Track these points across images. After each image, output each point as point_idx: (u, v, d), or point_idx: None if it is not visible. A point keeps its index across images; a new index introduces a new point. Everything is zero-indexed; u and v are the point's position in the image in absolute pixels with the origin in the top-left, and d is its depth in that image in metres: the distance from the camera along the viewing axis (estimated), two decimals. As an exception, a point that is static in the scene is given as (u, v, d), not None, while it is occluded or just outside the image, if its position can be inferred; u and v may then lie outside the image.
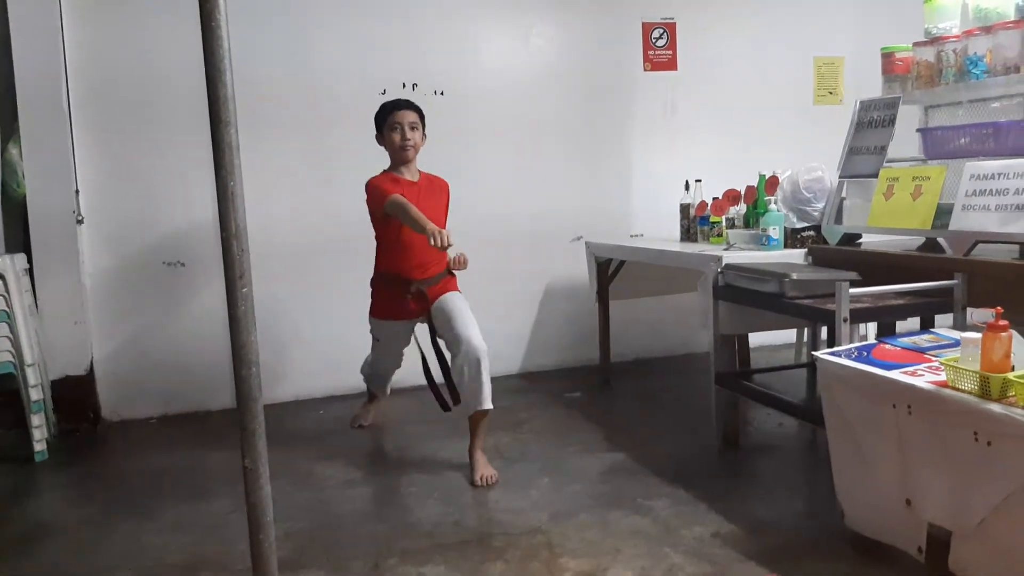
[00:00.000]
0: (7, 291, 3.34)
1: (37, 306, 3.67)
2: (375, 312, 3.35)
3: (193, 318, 4.03)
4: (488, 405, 2.95)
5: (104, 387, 3.92)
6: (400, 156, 3.18)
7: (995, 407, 1.73)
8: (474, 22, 4.40)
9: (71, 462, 3.43)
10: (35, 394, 3.38)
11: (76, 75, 3.79)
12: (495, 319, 4.19)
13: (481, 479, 2.91)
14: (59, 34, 3.70)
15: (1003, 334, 1.78)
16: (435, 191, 3.28)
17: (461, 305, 3.12)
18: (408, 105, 3.20)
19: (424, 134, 3.24)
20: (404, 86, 4.22)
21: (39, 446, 3.38)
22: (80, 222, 3.78)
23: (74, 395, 3.75)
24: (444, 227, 3.08)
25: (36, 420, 3.37)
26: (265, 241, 3.75)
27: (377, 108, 3.24)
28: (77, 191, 3.77)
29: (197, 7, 1.56)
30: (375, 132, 3.24)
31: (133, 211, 3.93)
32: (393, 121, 3.16)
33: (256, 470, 1.62)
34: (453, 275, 3.28)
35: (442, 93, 4.27)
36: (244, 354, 1.63)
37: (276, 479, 1.51)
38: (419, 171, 3.27)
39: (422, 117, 3.23)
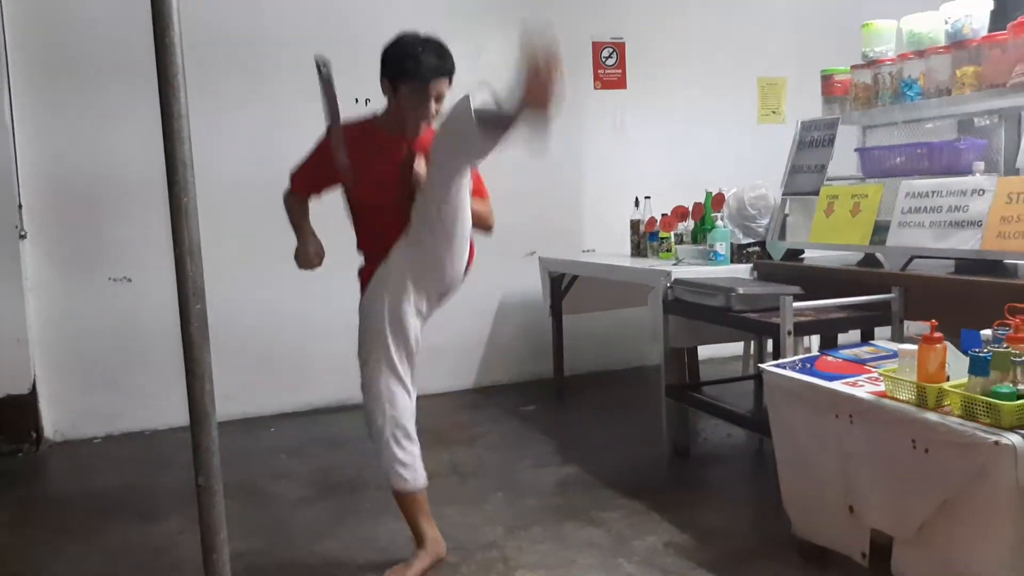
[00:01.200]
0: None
1: (-24, 324, 3.56)
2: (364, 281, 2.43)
3: (139, 335, 3.95)
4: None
5: (47, 406, 3.82)
6: (413, 128, 2.32)
7: (931, 416, 1.81)
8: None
9: (13, 484, 3.32)
10: (-26, 415, 3.28)
11: (17, 90, 3.70)
12: (450, 334, 4.20)
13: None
14: (2, 45, 3.62)
15: (938, 346, 1.87)
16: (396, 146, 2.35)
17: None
18: (448, 71, 2.31)
19: None
20: (356, 101, 4.22)
21: (-22, 468, 3.28)
22: (23, 237, 3.69)
23: (16, 415, 3.65)
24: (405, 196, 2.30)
25: (-24, 441, 3.27)
26: (209, 256, 3.69)
27: (392, 45, 2.34)
28: (20, 205, 3.68)
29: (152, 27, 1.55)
30: (382, 76, 2.33)
31: (77, 226, 3.85)
32: (425, 90, 2.27)
33: (210, 488, 1.60)
34: None
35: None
36: (198, 371, 1.62)
37: (228, 498, 1.50)
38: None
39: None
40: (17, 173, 3.68)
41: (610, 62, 4.81)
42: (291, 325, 4.19)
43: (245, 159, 4.08)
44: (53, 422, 3.84)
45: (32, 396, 3.73)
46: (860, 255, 2.95)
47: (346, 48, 4.11)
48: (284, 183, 2.44)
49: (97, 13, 3.83)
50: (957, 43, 2.62)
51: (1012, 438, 1.65)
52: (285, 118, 4.09)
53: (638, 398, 4.29)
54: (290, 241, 2.47)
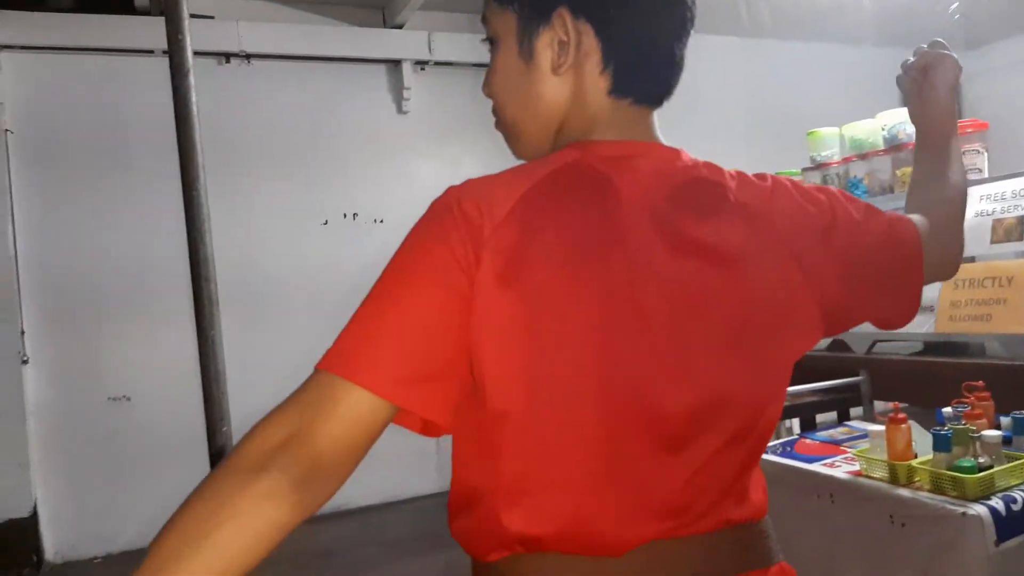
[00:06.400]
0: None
1: (-21, 451, 3.63)
2: None
3: (138, 453, 4.01)
4: None
5: (47, 529, 3.84)
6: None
7: (904, 492, 1.96)
8: (408, 155, 4.70)
9: (14, 611, 3.32)
10: (-22, 543, 3.31)
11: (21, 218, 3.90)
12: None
13: None
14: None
15: (903, 426, 2.04)
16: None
17: None
18: None
19: None
20: (345, 216, 4.46)
21: (-21, 596, 3.28)
22: (25, 363, 3.79)
23: (17, 539, 3.67)
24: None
25: (-21, 570, 3.28)
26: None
27: None
28: (23, 332, 3.80)
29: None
30: (534, 29, 0.83)
31: (77, 347, 3.97)
32: None
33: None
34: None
35: (382, 221, 4.51)
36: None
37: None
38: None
39: None
40: (20, 298, 3.82)
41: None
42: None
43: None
44: (53, 544, 3.85)
45: (33, 519, 3.75)
46: (829, 340, 3.14)
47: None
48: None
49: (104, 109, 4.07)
50: (894, 147, 2.90)
51: (978, 509, 1.80)
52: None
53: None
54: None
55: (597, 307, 0.72)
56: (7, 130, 3.85)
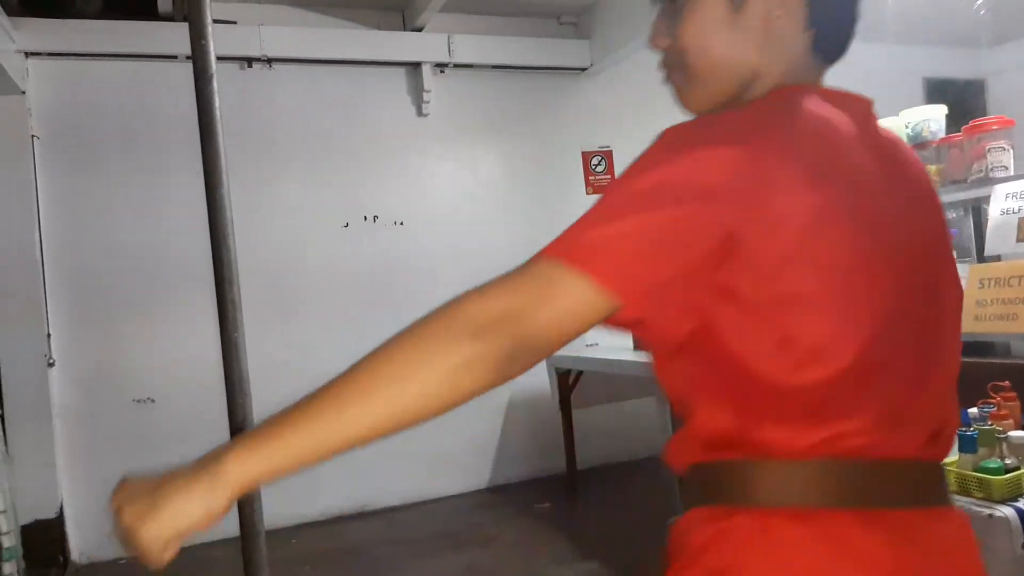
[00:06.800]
0: (-22, 439, 3.37)
1: (7, 451, 3.67)
2: None
3: (163, 452, 4.04)
4: None
5: (73, 529, 3.89)
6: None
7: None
8: (427, 157, 4.71)
9: (41, 611, 3.37)
10: (7, 541, 3.35)
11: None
12: (461, 435, 4.30)
13: None
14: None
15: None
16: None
17: None
18: None
19: None
20: (366, 218, 4.48)
21: (8, 595, 3.33)
22: (51, 365, 3.85)
23: (43, 539, 3.72)
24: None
25: (8, 568, 3.32)
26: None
27: None
28: (49, 334, 3.86)
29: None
30: None
31: (102, 350, 4.02)
32: None
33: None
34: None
35: (402, 223, 4.52)
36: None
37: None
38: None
39: None
40: (46, 302, 3.87)
41: (599, 169, 5.11)
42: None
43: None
44: (79, 544, 3.90)
45: (59, 520, 3.81)
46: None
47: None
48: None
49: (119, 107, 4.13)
50: (919, 144, 2.87)
51: (1004, 510, 1.77)
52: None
53: (651, 488, 4.36)
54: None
55: (853, 231, 0.73)
56: (34, 135, 3.91)
